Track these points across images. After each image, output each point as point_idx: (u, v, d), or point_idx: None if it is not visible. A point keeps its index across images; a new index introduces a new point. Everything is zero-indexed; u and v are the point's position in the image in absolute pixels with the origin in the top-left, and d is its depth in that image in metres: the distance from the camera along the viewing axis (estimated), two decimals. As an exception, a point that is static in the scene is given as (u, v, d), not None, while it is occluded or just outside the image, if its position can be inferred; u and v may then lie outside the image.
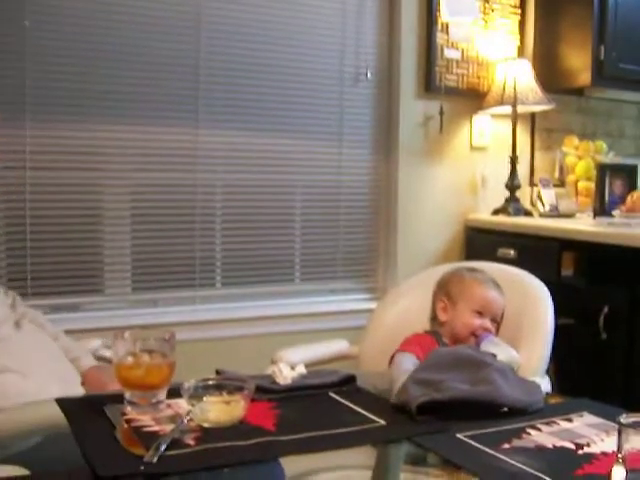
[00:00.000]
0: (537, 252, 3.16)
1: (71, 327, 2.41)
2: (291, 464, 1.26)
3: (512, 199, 3.63)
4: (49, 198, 2.93)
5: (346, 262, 3.55)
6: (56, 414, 1.47)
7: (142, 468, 1.17)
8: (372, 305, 3.25)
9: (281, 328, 3.21)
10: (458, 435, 1.33)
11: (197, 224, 3.21)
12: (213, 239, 3.25)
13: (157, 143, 3.12)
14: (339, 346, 2.52)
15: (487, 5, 3.74)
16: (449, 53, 3.65)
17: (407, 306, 2.43)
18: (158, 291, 3.15)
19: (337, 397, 1.56)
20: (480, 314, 2.17)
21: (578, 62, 3.62)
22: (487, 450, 1.26)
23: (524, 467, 1.19)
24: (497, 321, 2.20)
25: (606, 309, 2.86)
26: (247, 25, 3.26)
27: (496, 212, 3.64)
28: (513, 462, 1.21)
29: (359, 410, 1.47)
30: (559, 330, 2.22)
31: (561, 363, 2.18)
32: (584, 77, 3.60)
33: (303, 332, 3.13)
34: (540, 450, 1.27)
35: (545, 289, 2.30)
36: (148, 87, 3.09)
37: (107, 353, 2.32)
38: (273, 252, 3.39)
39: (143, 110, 3.08)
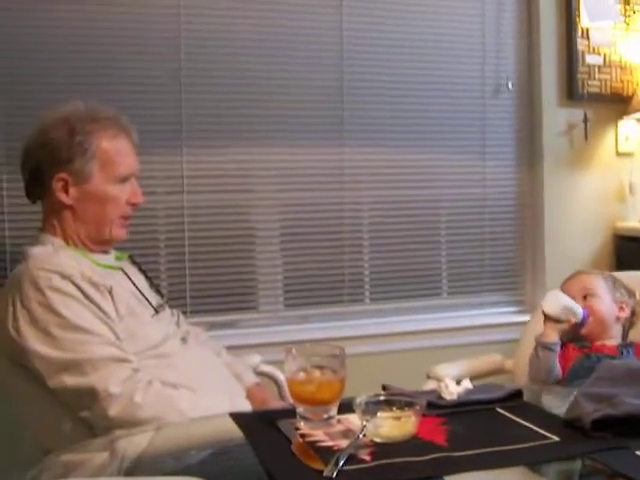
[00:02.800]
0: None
1: (226, 344, 2.47)
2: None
3: (663, 206, 3.52)
4: (205, 220, 3.04)
5: (493, 275, 3.51)
6: (228, 427, 1.53)
7: (323, 482, 1.20)
8: (521, 318, 3.21)
9: (430, 343, 3.20)
10: (638, 452, 1.29)
11: (345, 240, 3.25)
12: (361, 255, 3.29)
13: (304, 163, 3.19)
14: (493, 360, 2.51)
15: (628, 7, 3.64)
16: (591, 59, 3.56)
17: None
18: (309, 307, 3.21)
19: (505, 412, 1.55)
20: None
21: None
22: (671, 468, 1.23)
23: None
24: (588, 295, 2.15)
25: None
26: (386, 40, 3.28)
27: (647, 219, 3.54)
28: (699, 480, 1.17)
29: (529, 426, 1.46)
30: None
31: None
32: None
33: (452, 346, 3.12)
34: None
35: None
36: (294, 110, 3.15)
37: (267, 368, 2.39)
38: (420, 266, 3.39)
39: (290, 132, 3.15)
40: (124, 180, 1.98)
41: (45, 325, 1.74)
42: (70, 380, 1.72)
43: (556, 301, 2.07)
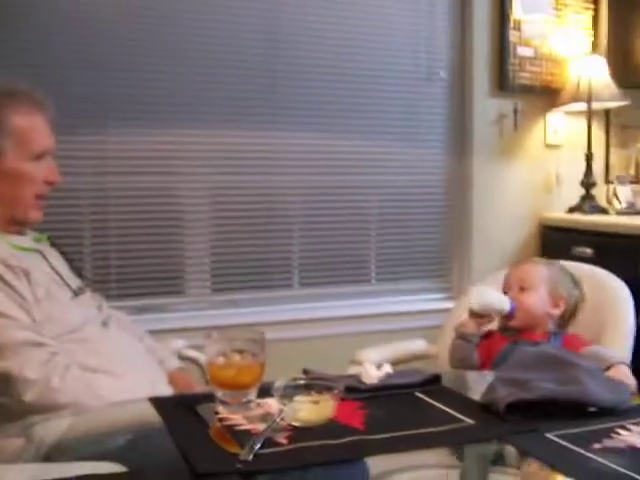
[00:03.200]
0: (615, 250, 3.11)
1: (153, 328, 2.45)
2: (375, 462, 1.28)
3: (588, 197, 3.59)
4: (131, 202, 3.02)
5: (421, 262, 3.56)
6: (148, 412, 1.52)
7: (239, 466, 1.19)
8: (447, 305, 3.25)
9: (357, 328, 3.23)
10: (548, 434, 1.32)
11: (274, 225, 3.26)
12: (290, 240, 3.30)
13: (235, 146, 3.18)
14: (418, 345, 2.53)
15: (560, 1, 3.69)
16: (522, 51, 3.62)
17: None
18: (237, 292, 3.21)
19: (423, 397, 1.57)
20: (506, 292, 2.14)
21: (653, 56, 3.56)
22: (578, 450, 1.25)
23: (617, 467, 1.18)
24: (524, 287, 2.13)
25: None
26: (321, 28, 3.30)
27: (571, 210, 3.61)
28: (605, 462, 1.20)
29: (446, 410, 1.48)
30: (638, 330, 2.20)
31: (640, 363, 2.14)
32: (660, 72, 3.54)
33: (379, 332, 3.13)
34: (632, 450, 1.26)
35: (625, 288, 2.28)
36: (226, 91, 3.14)
37: (191, 353, 2.37)
38: (349, 252, 3.42)
39: (221, 114, 3.13)
40: (39, 158, 1.91)
41: (-42, 309, 1.70)
42: None
43: (479, 297, 2.07)
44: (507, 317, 2.09)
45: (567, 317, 2.17)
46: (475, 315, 2.08)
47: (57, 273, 1.94)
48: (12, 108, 1.88)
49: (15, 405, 1.70)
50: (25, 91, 1.94)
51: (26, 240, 1.96)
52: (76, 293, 1.96)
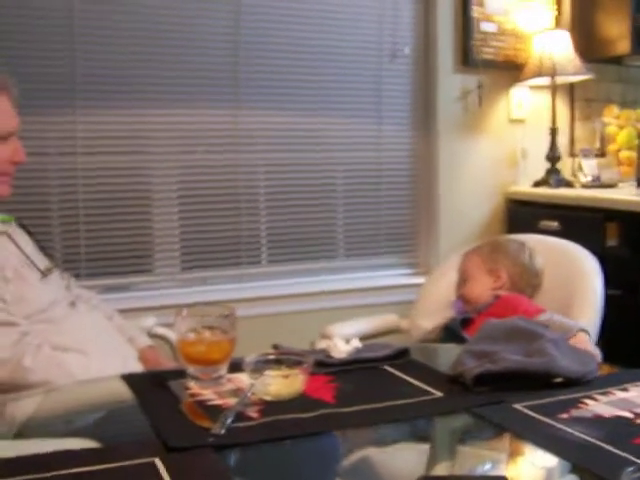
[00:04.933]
0: (580, 223, 3.15)
1: (123, 306, 2.45)
2: (346, 436, 1.29)
3: (553, 170, 3.62)
4: (100, 182, 3.01)
5: (388, 238, 3.57)
6: (119, 389, 1.52)
7: (211, 440, 1.20)
8: (415, 280, 3.29)
9: (326, 304, 3.25)
10: (515, 406, 1.34)
11: (242, 203, 3.26)
12: (258, 217, 3.30)
13: (201, 125, 3.17)
14: (389, 320, 2.56)
15: (523, -24, 3.71)
16: (486, 26, 3.63)
17: (455, 279, 2.45)
18: (206, 270, 3.21)
19: (392, 370, 1.58)
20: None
21: (616, 30, 3.58)
22: (546, 420, 1.27)
23: (584, 436, 1.20)
24: (466, 279, 2.34)
25: (651, 280, 2.85)
26: (285, 5, 3.28)
27: (537, 184, 3.64)
28: (572, 432, 1.22)
29: (415, 382, 1.49)
30: (605, 301, 2.23)
31: (607, 334, 2.18)
32: (623, 45, 3.56)
33: (347, 308, 3.16)
34: (598, 419, 1.28)
35: (594, 260, 2.31)
36: (190, 70, 3.13)
37: (161, 331, 2.38)
38: (316, 229, 3.43)
39: (186, 94, 3.13)
40: (4, 139, 1.89)
41: None
42: None
43: None
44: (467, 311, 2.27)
45: (524, 282, 2.28)
46: None
47: (25, 254, 1.93)
48: None
49: (-14, 385, 1.70)
50: None
51: (-8, 223, 1.95)
52: (44, 274, 1.95)
